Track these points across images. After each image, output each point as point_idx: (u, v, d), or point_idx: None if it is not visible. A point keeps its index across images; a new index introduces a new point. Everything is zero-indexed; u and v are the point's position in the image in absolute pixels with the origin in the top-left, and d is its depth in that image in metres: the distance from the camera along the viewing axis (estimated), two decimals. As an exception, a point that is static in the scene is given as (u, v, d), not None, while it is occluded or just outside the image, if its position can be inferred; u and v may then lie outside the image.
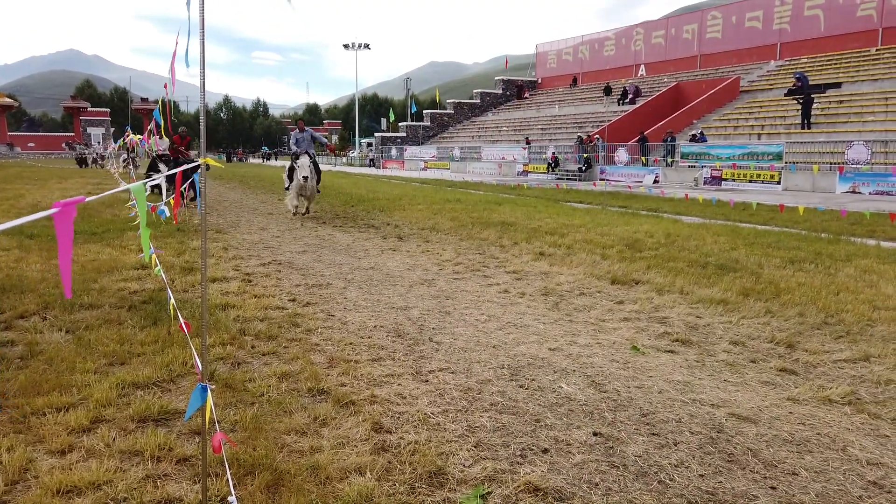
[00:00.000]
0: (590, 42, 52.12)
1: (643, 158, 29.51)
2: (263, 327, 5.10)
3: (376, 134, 57.81)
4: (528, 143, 37.54)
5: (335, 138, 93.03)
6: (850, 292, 6.27)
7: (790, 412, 3.59)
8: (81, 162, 42.06)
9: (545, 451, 3.12)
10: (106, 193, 1.82)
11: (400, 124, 55.90)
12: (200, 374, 2.48)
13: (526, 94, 54.85)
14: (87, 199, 1.27)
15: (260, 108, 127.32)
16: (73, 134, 79.84)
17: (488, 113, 54.28)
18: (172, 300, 4.71)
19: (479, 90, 58.07)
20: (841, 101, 27.92)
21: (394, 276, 7.31)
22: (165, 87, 3.25)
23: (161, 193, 14.58)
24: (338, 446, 3.11)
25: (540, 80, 56.54)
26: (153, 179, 8.64)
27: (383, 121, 62.45)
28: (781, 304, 5.92)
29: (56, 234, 1.16)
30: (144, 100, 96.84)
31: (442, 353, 4.59)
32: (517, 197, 19.01)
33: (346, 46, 63.87)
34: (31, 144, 75.10)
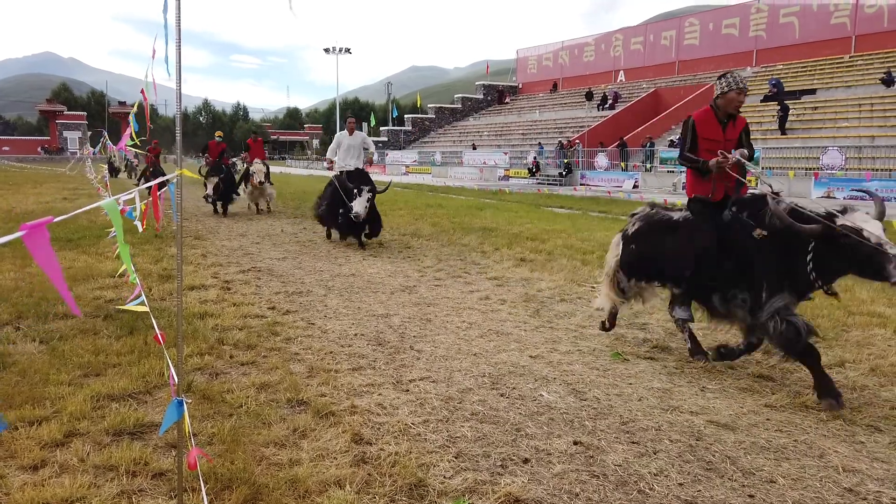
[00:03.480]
0: (570, 48, 52.50)
1: (623, 164, 29.77)
2: (242, 336, 5.04)
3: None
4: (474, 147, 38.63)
5: (316, 142, 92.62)
6: (825, 297, 6.34)
7: (767, 419, 3.63)
8: (113, 171, 36.54)
9: (526, 461, 3.11)
10: (76, 212, 1.78)
11: (381, 129, 55.86)
12: (175, 388, 2.44)
13: (507, 99, 55.09)
14: (56, 219, 1.24)
15: (240, 112, 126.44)
16: (48, 138, 78.63)
17: (469, 118, 54.41)
18: (148, 308, 4.64)
19: (461, 95, 58.26)
20: (816, 108, 28.39)
21: (375, 283, 7.28)
22: (142, 92, 3.20)
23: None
24: (317, 458, 3.08)
25: (521, 86, 56.81)
26: (129, 193, 7.79)
27: (364, 125, 62.30)
28: (759, 309, 5.98)
29: (35, 259, 1.12)
30: (122, 103, 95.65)
31: (423, 362, 4.57)
32: (498, 202, 19.06)
33: (326, 50, 63.64)
34: (6, 148, 73.85)
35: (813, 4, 36.17)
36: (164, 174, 14.56)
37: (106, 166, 29.42)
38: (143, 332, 4.88)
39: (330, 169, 10.86)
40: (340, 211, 9.84)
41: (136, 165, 30.52)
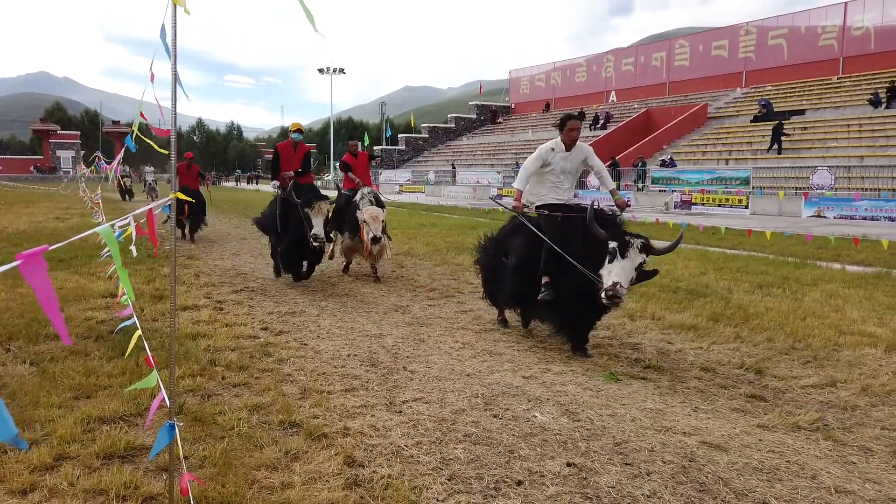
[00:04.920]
0: (562, 68, 53.05)
1: (614, 183, 29.96)
2: (235, 357, 5.03)
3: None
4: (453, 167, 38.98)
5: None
6: (816, 317, 6.40)
7: (760, 439, 3.64)
8: (126, 193, 29.25)
9: (519, 483, 3.10)
10: (72, 239, 1.79)
11: (375, 148, 56.03)
12: (153, 411, 2.43)
13: (500, 119, 55.46)
14: (51, 248, 1.25)
15: (234, 132, 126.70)
16: (41, 157, 78.55)
17: (463, 137, 54.73)
18: (139, 329, 4.62)
19: (454, 115, 58.59)
20: (805, 128, 28.72)
21: (368, 303, 7.27)
22: (142, 115, 3.23)
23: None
24: (309, 482, 3.06)
25: (513, 106, 57.26)
26: (124, 219, 6.55)
27: (359, 144, 62.50)
28: (750, 329, 6.02)
29: (32, 287, 1.13)
30: (116, 122, 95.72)
31: (416, 383, 4.56)
32: (492, 220, 19.11)
33: (321, 71, 64.07)
34: (-1, 168, 73.68)
35: (801, 27, 36.78)
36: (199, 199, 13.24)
37: (117, 190, 29.13)
38: (135, 354, 4.85)
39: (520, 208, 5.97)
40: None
41: (130, 185, 30.43)
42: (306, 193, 7.84)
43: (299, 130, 8.66)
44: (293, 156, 8.45)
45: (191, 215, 13.24)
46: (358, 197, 8.76)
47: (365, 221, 8.21)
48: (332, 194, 8.88)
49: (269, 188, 57.57)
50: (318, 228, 7.49)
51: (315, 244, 7.59)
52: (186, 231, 13.61)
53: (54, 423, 3.61)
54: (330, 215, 8.16)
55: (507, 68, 65.23)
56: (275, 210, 8.37)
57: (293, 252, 8.09)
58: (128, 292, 1.97)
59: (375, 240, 8.18)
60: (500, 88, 62.22)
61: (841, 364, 5.01)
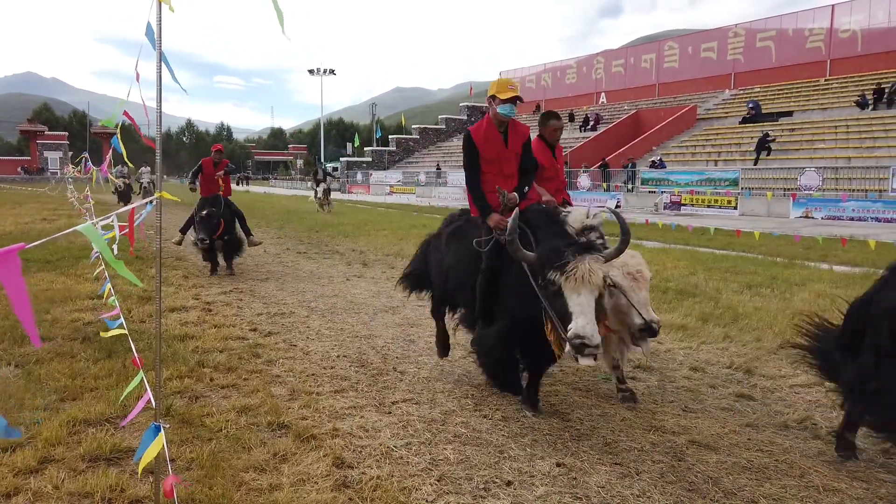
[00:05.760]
0: (552, 70, 53.19)
1: (604, 184, 30.04)
2: (223, 359, 4.99)
3: (342, 159, 57.76)
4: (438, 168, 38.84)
5: (300, 162, 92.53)
6: (805, 317, 6.42)
7: (749, 439, 3.65)
8: (123, 196, 26.18)
9: (509, 483, 3.09)
10: (54, 236, 1.76)
11: (365, 149, 55.97)
12: (135, 413, 2.41)
13: (490, 120, 55.47)
14: (28, 246, 1.23)
15: (224, 133, 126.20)
16: (28, 158, 77.91)
17: (453, 138, 54.73)
18: (126, 331, 4.58)
19: (445, 116, 58.63)
20: (793, 130, 28.92)
21: (358, 304, 7.25)
22: (126, 114, 3.19)
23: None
24: (297, 483, 3.04)
25: (504, 107, 57.26)
26: (106, 218, 5.86)
27: (349, 145, 62.43)
28: (739, 328, 6.04)
29: (4, 286, 1.10)
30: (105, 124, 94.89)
31: (406, 384, 4.55)
32: (482, 222, 19.12)
33: (311, 72, 63.91)
34: (-15, 168, 73.01)
35: (789, 29, 37.06)
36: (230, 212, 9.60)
37: (116, 194, 28.36)
38: (122, 356, 4.81)
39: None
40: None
41: (129, 187, 29.95)
42: (206, 204, 9.25)
43: (220, 150, 9.94)
44: (213, 171, 9.60)
45: (224, 236, 9.31)
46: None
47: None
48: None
49: (258, 189, 57.37)
50: (201, 234, 8.95)
51: (202, 246, 9.11)
52: (220, 258, 9.51)
53: (39, 426, 3.56)
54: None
55: (497, 70, 65.27)
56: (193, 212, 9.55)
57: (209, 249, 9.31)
58: (132, 279, 1.95)
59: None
60: (491, 90, 62.06)
61: (829, 363, 5.03)
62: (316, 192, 24.71)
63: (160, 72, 2.37)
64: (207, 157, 9.77)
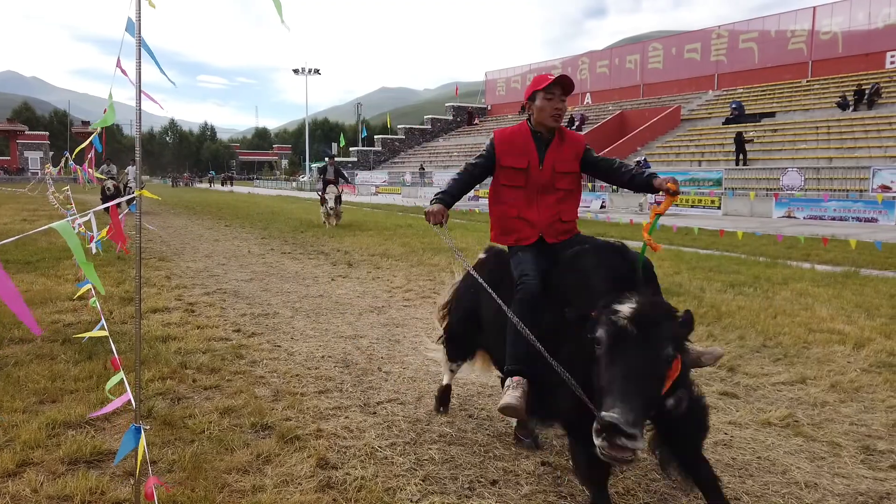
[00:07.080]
0: (538, 70, 53.27)
1: (590, 184, 30.16)
2: (206, 360, 4.94)
3: (326, 159, 57.62)
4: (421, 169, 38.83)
5: (284, 163, 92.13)
6: (787, 315, 6.49)
7: (731, 436, 3.67)
8: (111, 198, 25.45)
9: (494, 482, 3.09)
10: (24, 234, 1.73)
11: (351, 149, 55.86)
12: (130, 414, 2.37)
13: (476, 121, 55.61)
14: (4, 241, 1.20)
15: (207, 132, 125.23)
16: (9, 158, 76.92)
17: (439, 139, 54.77)
18: (107, 332, 4.52)
19: (430, 116, 58.65)
20: (775, 130, 29.23)
21: (343, 304, 7.21)
22: (105, 112, 3.14)
23: None
24: (281, 484, 3.01)
25: (489, 107, 57.45)
26: (85, 215, 5.95)
27: (334, 145, 62.28)
28: (723, 327, 6.08)
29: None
30: (85, 123, 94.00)
31: (391, 384, 4.53)
32: (468, 222, 19.13)
33: (295, 71, 63.68)
34: (-36, 168, 71.90)
35: (771, 31, 37.46)
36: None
37: (104, 199, 27.41)
38: (103, 357, 4.75)
39: None
40: None
41: (110, 190, 29.33)
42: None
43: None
44: None
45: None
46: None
47: None
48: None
49: (242, 189, 57.00)
50: None
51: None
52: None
53: (18, 429, 3.51)
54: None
55: (483, 70, 65.33)
56: None
57: None
58: (95, 283, 1.91)
59: None
60: (476, 90, 62.45)
61: (811, 361, 5.08)
62: (324, 200, 16.92)
63: (139, 64, 2.34)
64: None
